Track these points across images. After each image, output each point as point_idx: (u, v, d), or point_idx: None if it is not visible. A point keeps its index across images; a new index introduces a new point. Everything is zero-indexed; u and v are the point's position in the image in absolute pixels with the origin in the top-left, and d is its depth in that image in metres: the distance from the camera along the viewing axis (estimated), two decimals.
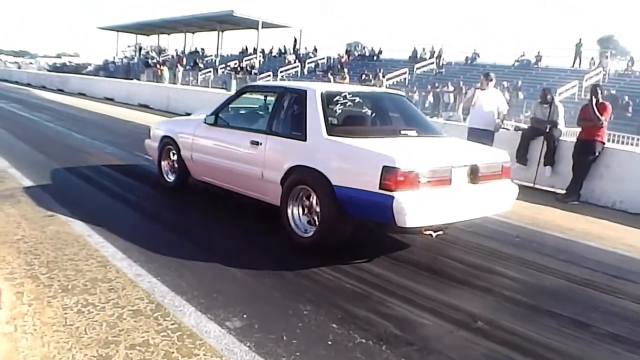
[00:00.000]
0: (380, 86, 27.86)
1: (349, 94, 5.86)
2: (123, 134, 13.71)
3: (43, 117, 16.42)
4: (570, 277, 5.09)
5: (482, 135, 9.61)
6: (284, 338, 3.44)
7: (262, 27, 44.07)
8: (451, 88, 26.96)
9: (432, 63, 36.09)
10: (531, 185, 9.63)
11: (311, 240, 5.17)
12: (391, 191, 4.53)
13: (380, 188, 4.59)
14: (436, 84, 28.52)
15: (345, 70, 33.22)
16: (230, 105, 6.84)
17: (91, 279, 4.15)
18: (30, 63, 77.33)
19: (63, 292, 3.88)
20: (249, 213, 6.45)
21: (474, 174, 5.13)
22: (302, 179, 5.26)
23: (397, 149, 4.98)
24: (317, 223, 5.15)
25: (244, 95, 7.07)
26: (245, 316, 3.70)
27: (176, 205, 6.97)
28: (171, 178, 7.47)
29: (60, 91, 32.13)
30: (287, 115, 5.88)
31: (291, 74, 36.18)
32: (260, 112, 6.80)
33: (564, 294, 4.70)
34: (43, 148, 10.08)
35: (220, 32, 49.83)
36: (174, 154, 7.33)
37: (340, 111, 5.73)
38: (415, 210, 4.53)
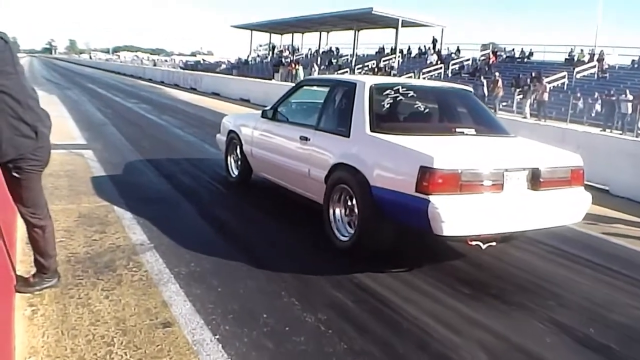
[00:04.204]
0: (543, 92, 24.43)
1: (402, 87, 5.53)
2: None
3: (172, 122, 14.89)
4: None
5: None
6: None
7: (402, 26, 41.15)
8: (630, 97, 22.87)
9: (594, 67, 31.81)
10: None
11: (349, 245, 4.82)
12: (428, 194, 4.09)
13: (416, 190, 4.17)
14: (611, 92, 24.44)
15: (497, 73, 29.87)
16: (289, 99, 6.57)
17: None
18: (165, 61, 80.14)
19: None
20: None
21: (535, 179, 4.57)
22: (343, 177, 4.94)
23: (440, 147, 4.51)
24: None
25: (306, 88, 6.73)
26: None
27: None
28: (235, 173, 7.33)
29: (193, 90, 31.08)
30: (335, 110, 5.63)
31: (434, 76, 33.07)
32: (315, 107, 6.20)
33: None
34: (166, 170, 8.06)
35: (357, 31, 47.49)
36: (240, 148, 7.12)
37: (389, 106, 5.41)
38: (455, 217, 4.07)
